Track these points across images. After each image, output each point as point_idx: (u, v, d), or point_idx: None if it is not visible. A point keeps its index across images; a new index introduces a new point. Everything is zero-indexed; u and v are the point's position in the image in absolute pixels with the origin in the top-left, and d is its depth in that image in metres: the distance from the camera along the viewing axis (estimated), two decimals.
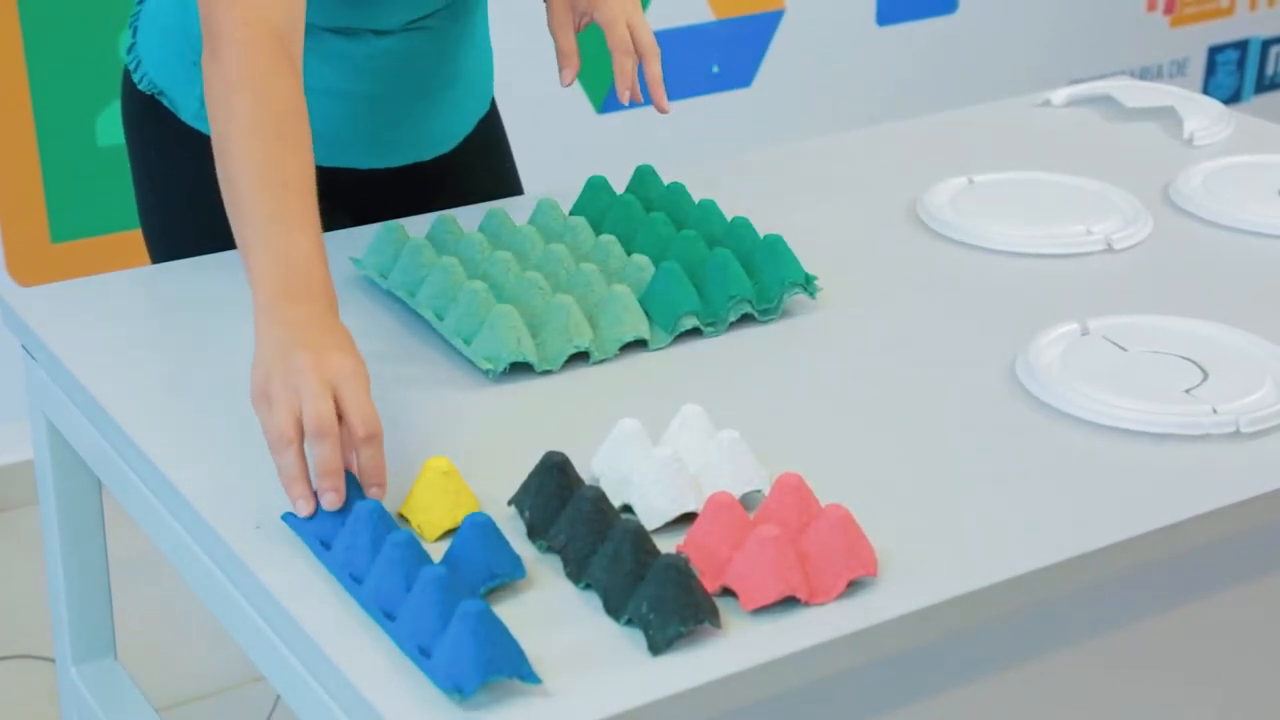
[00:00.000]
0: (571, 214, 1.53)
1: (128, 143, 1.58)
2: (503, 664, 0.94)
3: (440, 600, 0.97)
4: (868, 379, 1.29)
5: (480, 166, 1.61)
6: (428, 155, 1.60)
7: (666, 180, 1.56)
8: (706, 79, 3.00)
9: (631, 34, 1.47)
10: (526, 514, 1.09)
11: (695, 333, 1.35)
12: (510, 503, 1.11)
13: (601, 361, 1.31)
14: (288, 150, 1.20)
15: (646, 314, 1.35)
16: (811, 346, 1.35)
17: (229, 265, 1.47)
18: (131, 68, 1.55)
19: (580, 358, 1.31)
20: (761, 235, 1.42)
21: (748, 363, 1.32)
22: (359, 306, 1.40)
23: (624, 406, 1.21)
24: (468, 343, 1.30)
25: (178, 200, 1.55)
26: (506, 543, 1.04)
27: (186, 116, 1.52)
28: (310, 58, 1.42)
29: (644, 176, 1.56)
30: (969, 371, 1.30)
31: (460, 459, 1.14)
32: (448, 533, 1.09)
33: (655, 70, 1.46)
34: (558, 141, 2.76)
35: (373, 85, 1.52)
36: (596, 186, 1.54)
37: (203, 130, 1.50)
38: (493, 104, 1.70)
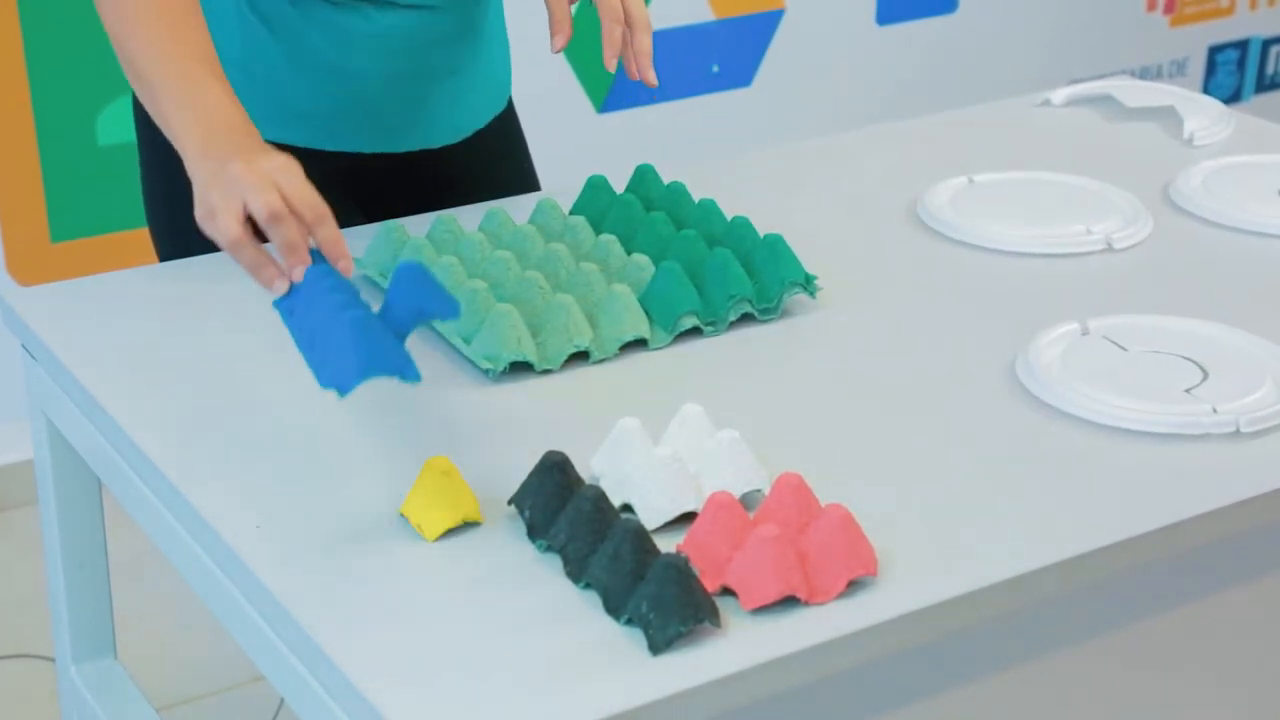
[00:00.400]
0: (571, 213, 1.53)
1: (137, 135, 1.60)
2: (383, 364, 1.06)
3: (333, 317, 1.09)
4: (868, 379, 1.29)
5: (495, 164, 1.61)
6: (434, 144, 1.60)
7: (666, 180, 1.56)
8: (706, 79, 3.00)
9: (623, 5, 1.45)
10: (527, 513, 1.09)
11: (695, 332, 1.35)
12: (510, 502, 1.11)
13: (601, 361, 1.31)
14: (181, 23, 1.30)
15: (646, 313, 1.35)
16: (811, 346, 1.35)
17: (229, 265, 1.47)
18: None
19: (580, 357, 1.31)
20: (761, 235, 1.42)
21: (748, 362, 1.32)
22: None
23: (624, 406, 1.21)
24: (467, 342, 1.30)
25: (182, 190, 1.56)
26: (439, 285, 1.14)
27: None
28: (311, 31, 1.43)
29: (644, 176, 1.56)
30: (969, 371, 1.30)
31: (460, 458, 1.14)
32: (448, 533, 1.09)
33: (644, 42, 1.44)
34: (558, 141, 2.76)
35: (373, 63, 1.52)
36: (596, 186, 1.54)
37: None
38: (510, 105, 1.70)
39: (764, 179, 1.68)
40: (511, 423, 1.22)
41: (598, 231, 1.50)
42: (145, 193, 1.60)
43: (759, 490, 1.12)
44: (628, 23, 1.44)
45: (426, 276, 1.14)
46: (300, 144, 1.53)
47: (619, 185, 1.57)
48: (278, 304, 1.20)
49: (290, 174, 1.20)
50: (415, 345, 1.33)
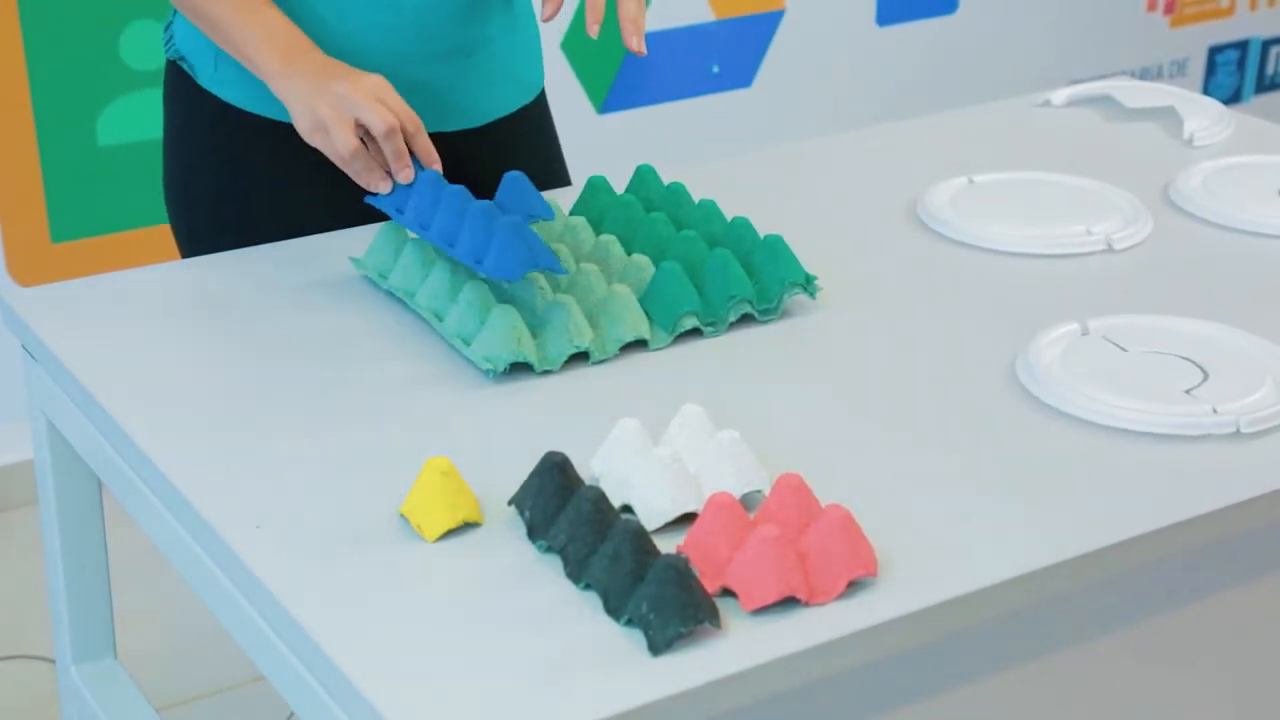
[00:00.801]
0: (571, 214, 1.53)
1: (164, 116, 1.63)
2: (538, 259, 1.31)
3: (487, 223, 1.32)
4: (868, 379, 1.29)
5: (513, 156, 1.60)
6: (444, 127, 1.60)
7: (666, 180, 1.56)
8: (707, 79, 3.00)
9: None
10: (527, 514, 1.09)
11: (695, 333, 1.35)
12: (510, 503, 1.11)
13: (602, 362, 1.31)
14: None
15: (647, 314, 1.35)
16: (811, 347, 1.35)
17: (228, 265, 1.48)
18: (165, 39, 1.61)
19: (580, 358, 1.31)
20: (761, 235, 1.42)
21: (748, 363, 1.32)
22: (359, 306, 1.40)
23: (624, 406, 1.21)
24: (467, 343, 1.30)
25: (198, 165, 1.59)
26: (539, 194, 1.42)
27: (203, 79, 1.56)
28: (324, 10, 1.46)
29: (644, 176, 1.56)
30: (969, 371, 1.30)
31: (460, 459, 1.14)
32: (448, 533, 1.09)
33: (630, 8, 1.43)
34: (569, 138, 2.75)
35: (382, 41, 1.52)
36: (596, 187, 1.54)
37: (218, 94, 1.55)
38: (542, 95, 1.70)
39: (764, 179, 1.68)
40: (512, 423, 1.22)
41: (598, 232, 1.50)
42: (164, 169, 1.62)
43: (759, 491, 1.12)
44: None
45: (528, 185, 1.42)
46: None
47: (619, 186, 1.57)
48: (378, 201, 1.41)
49: (389, 91, 1.38)
50: (415, 345, 1.34)
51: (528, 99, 1.67)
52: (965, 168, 1.67)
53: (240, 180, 1.57)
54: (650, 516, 1.09)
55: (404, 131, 1.39)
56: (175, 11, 1.60)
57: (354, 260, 1.45)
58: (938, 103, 3.10)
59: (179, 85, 1.59)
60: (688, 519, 1.10)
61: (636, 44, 1.43)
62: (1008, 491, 1.14)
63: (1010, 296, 1.43)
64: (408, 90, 1.50)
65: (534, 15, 1.64)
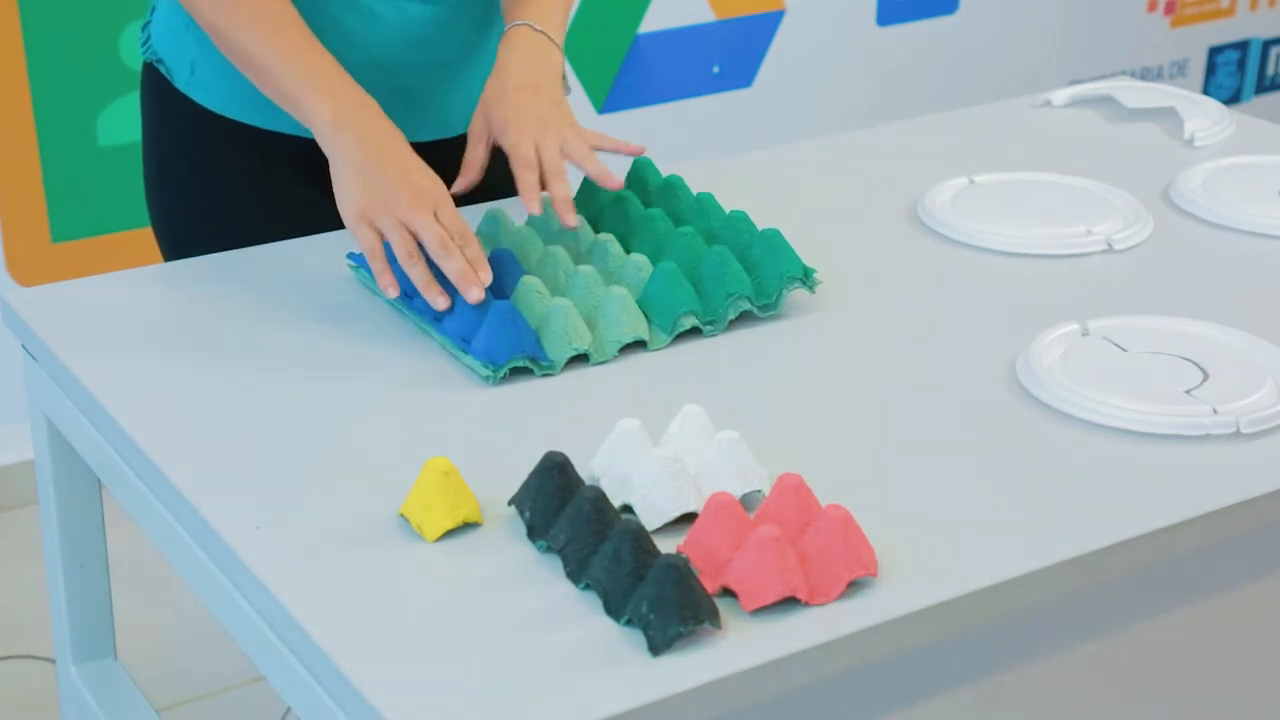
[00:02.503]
0: None
1: (143, 130, 1.62)
2: (524, 346, 1.27)
3: (479, 305, 1.30)
4: (868, 379, 1.29)
5: (500, 160, 1.60)
6: (453, 132, 1.60)
7: (665, 172, 1.56)
8: (707, 79, 2.99)
9: (537, 152, 1.45)
10: (527, 514, 1.09)
11: (695, 332, 1.35)
12: (510, 503, 1.11)
13: (601, 363, 1.31)
14: (273, 9, 1.41)
15: (645, 315, 1.34)
16: (812, 347, 1.35)
17: (229, 267, 1.48)
18: (143, 40, 1.59)
19: (580, 359, 1.31)
20: (760, 229, 1.42)
21: (748, 362, 1.32)
22: (355, 305, 1.40)
23: (624, 407, 1.21)
24: (465, 345, 1.30)
25: (174, 175, 1.58)
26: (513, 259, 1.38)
27: (179, 83, 1.55)
28: (320, 23, 1.44)
29: (642, 169, 1.55)
30: (969, 372, 1.30)
31: (460, 459, 1.14)
32: (448, 533, 1.09)
33: (560, 191, 1.44)
34: None
35: (385, 54, 1.52)
36: (593, 186, 1.54)
37: (194, 98, 1.54)
38: None
39: (764, 179, 1.68)
40: (512, 424, 1.22)
41: (596, 229, 1.49)
42: (145, 172, 1.61)
43: (759, 491, 1.12)
44: (542, 170, 1.44)
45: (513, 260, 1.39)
46: (289, 131, 1.53)
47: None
48: (354, 258, 1.42)
49: (447, 203, 1.35)
50: (413, 345, 1.34)
51: None
52: (966, 168, 1.67)
53: (218, 184, 1.56)
54: (650, 516, 1.09)
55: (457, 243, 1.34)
56: (153, 11, 1.58)
57: (350, 257, 1.44)
58: (938, 103, 3.10)
59: (156, 88, 1.57)
60: (688, 519, 1.10)
61: (572, 219, 1.43)
62: (1008, 491, 1.14)
63: (1010, 297, 1.43)
64: (388, 99, 1.49)
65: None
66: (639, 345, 1.33)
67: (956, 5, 3.24)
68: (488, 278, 1.32)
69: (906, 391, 1.27)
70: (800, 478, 1.07)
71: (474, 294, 1.31)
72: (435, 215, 1.33)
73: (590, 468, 1.14)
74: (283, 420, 1.23)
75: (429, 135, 1.59)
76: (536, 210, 1.43)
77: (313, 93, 1.37)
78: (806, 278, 1.39)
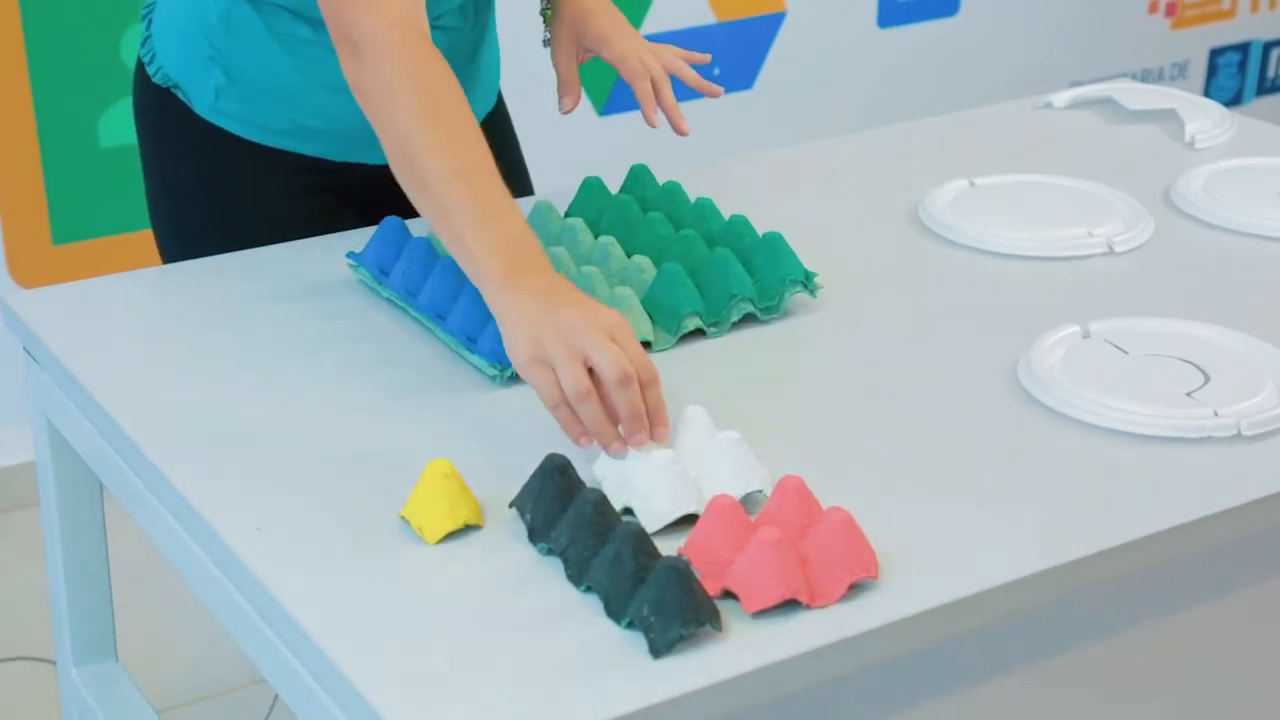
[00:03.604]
0: (567, 215, 1.53)
1: (139, 138, 1.59)
2: None
3: (482, 302, 1.24)
4: (869, 381, 1.29)
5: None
6: None
7: (663, 181, 1.56)
8: (708, 81, 2.99)
9: (642, 62, 1.54)
10: (528, 516, 1.09)
11: (698, 334, 1.35)
12: (511, 505, 1.10)
13: None
14: (470, 138, 1.25)
15: (649, 316, 1.34)
16: (813, 349, 1.35)
17: (229, 268, 1.48)
18: (146, 60, 1.55)
19: None
20: (760, 234, 1.42)
21: (750, 363, 1.32)
22: (356, 307, 1.40)
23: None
24: (471, 344, 1.30)
25: (189, 194, 1.57)
26: None
27: (200, 109, 1.53)
28: (328, 54, 1.42)
29: (639, 176, 1.55)
30: (970, 374, 1.30)
31: (461, 461, 1.14)
32: (449, 535, 1.09)
33: (669, 95, 1.53)
34: (558, 144, 2.75)
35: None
36: (592, 188, 1.54)
37: (217, 124, 1.52)
38: (500, 100, 1.70)
39: (764, 181, 1.68)
40: (513, 426, 1.22)
41: (596, 233, 1.49)
42: (149, 196, 1.60)
43: (760, 491, 1.12)
44: (652, 80, 1.53)
45: None
46: (313, 154, 1.54)
47: (614, 185, 1.57)
48: (359, 258, 1.41)
49: (627, 331, 1.17)
50: (414, 347, 1.34)
51: (491, 104, 1.67)
52: (967, 170, 1.67)
53: (236, 204, 1.55)
54: (650, 519, 1.09)
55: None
56: (153, 24, 1.55)
57: (349, 255, 1.44)
58: (939, 105, 3.09)
59: (165, 108, 1.54)
60: (689, 521, 1.09)
61: (685, 126, 1.52)
62: (1009, 494, 1.14)
63: (1011, 299, 1.43)
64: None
65: (494, 19, 1.64)
66: (643, 346, 1.32)
67: (957, 7, 3.24)
68: (664, 434, 1.16)
69: (907, 394, 1.27)
70: (801, 480, 1.07)
71: (641, 438, 1.14)
72: (619, 345, 1.17)
73: (592, 471, 1.14)
74: (283, 421, 1.23)
75: None
76: (655, 122, 1.47)
77: (492, 247, 1.21)
78: (808, 281, 1.39)
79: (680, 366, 1.31)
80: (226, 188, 1.55)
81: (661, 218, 1.46)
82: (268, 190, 1.55)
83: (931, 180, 1.65)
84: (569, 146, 2.74)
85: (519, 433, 1.21)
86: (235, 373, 1.30)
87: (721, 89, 1.57)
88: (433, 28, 1.51)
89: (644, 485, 1.09)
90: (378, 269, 1.42)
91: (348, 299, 1.41)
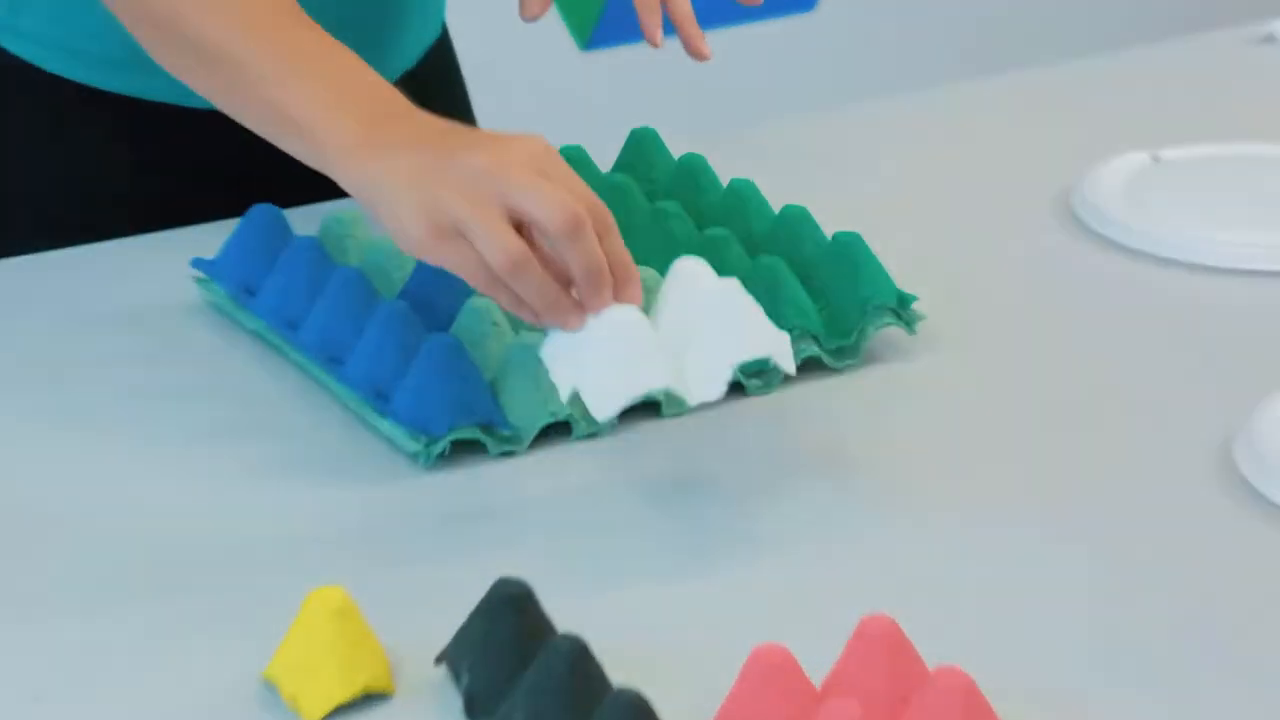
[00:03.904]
0: None
1: None
2: (475, 406, 1.26)
3: (401, 336, 1.29)
4: (1000, 459, 1.30)
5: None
6: (410, 61, 1.65)
7: (678, 152, 1.57)
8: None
9: None
10: (464, 679, 1.08)
11: (733, 389, 1.33)
12: (439, 660, 1.10)
13: (590, 437, 1.31)
14: None
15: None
16: (908, 412, 1.36)
17: (6, 279, 1.51)
18: None
19: (557, 428, 1.31)
20: (829, 234, 1.42)
21: (811, 437, 1.33)
22: (203, 343, 1.42)
23: (621, 507, 1.24)
24: (381, 403, 1.30)
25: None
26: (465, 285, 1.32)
27: None
28: None
29: (642, 145, 1.57)
30: (1160, 455, 1.30)
31: (361, 588, 1.12)
32: (339, 709, 1.07)
33: (683, 4, 1.50)
34: (525, 92, 2.75)
35: None
36: (570, 163, 1.52)
37: (18, 53, 1.57)
38: (444, 30, 1.73)
39: (829, 155, 1.67)
40: (447, 531, 1.23)
41: None
42: None
43: (768, 363, 1.26)
44: None
45: None
46: (150, 96, 1.56)
47: (606, 159, 1.57)
48: (202, 265, 1.43)
49: (557, 160, 1.25)
50: (294, 402, 1.35)
51: (435, 35, 1.71)
52: (1146, 138, 1.68)
53: (29, 160, 1.59)
54: (599, 400, 1.21)
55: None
56: None
57: (195, 266, 1.45)
58: (1102, 36, 3.09)
59: None
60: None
61: (703, 46, 1.49)
62: (1223, 657, 1.13)
63: (1221, 339, 1.43)
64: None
65: None
66: (647, 408, 1.33)
67: None
68: (637, 293, 1.26)
69: (1056, 488, 1.27)
70: (894, 623, 1.06)
71: (601, 301, 1.24)
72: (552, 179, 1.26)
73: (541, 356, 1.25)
74: (83, 520, 1.24)
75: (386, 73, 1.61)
76: (658, 38, 1.47)
77: (322, 102, 1.29)
78: (903, 309, 1.39)
79: (704, 440, 1.31)
80: (15, 137, 1.59)
81: (677, 210, 1.46)
82: (74, 153, 1.58)
83: (1092, 153, 1.65)
84: (540, 95, 2.75)
85: (456, 542, 1.22)
86: (17, 439, 1.32)
87: (708, 53, 1.52)
88: None
89: (592, 356, 1.20)
90: (239, 285, 1.43)
91: (191, 329, 1.43)
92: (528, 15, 1.54)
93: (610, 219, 1.24)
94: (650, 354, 1.21)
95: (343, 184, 1.28)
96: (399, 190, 1.23)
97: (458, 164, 1.23)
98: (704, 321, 1.23)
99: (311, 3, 1.54)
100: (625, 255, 1.25)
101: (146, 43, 1.39)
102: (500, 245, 1.20)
